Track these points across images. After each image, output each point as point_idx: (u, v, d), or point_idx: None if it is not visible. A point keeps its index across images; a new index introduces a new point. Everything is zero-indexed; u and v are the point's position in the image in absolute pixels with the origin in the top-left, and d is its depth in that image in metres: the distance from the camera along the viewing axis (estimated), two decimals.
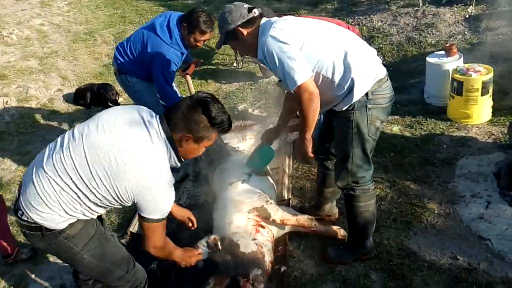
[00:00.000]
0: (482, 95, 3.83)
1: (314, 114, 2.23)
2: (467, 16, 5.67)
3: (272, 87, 5.00)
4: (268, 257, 2.53)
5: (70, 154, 1.81)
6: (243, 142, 3.57)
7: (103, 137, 1.80)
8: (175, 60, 3.19)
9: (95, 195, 1.83)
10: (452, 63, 4.10)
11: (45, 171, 1.83)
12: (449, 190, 3.19)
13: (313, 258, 2.76)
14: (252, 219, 2.68)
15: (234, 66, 5.81)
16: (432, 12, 5.90)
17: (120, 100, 5.16)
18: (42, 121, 4.90)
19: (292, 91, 2.22)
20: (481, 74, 3.83)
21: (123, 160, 1.76)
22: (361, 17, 6.35)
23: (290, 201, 3.14)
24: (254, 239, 2.54)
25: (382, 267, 2.64)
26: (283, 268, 2.59)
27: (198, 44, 3.21)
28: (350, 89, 2.24)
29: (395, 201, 3.13)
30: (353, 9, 6.71)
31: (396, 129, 4.02)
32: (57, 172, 1.81)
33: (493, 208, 2.93)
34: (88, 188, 1.81)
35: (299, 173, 3.60)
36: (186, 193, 3.48)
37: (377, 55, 2.43)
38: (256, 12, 2.36)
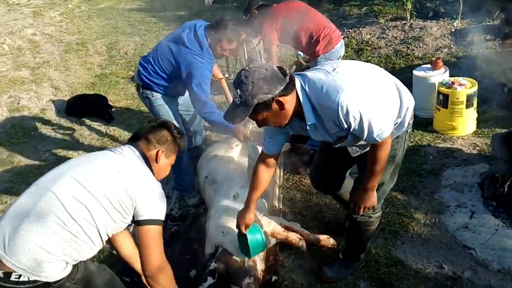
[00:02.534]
0: (466, 107, 3.94)
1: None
2: (453, 30, 5.82)
3: None
4: (260, 266, 2.58)
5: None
6: (231, 151, 3.53)
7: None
8: (210, 69, 3.15)
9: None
10: (438, 76, 4.22)
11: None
12: (435, 200, 3.27)
13: (303, 267, 2.81)
14: None
15: (226, 77, 5.87)
16: (419, 25, 6.04)
17: (113, 110, 5.19)
18: (33, 132, 4.92)
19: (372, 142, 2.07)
20: (465, 87, 3.94)
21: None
22: (350, 30, 6.48)
23: (281, 211, 3.20)
24: None
25: (371, 276, 2.71)
26: (274, 278, 2.64)
27: (224, 53, 3.18)
28: (402, 119, 2.19)
29: (383, 211, 3.18)
30: (343, 22, 6.84)
31: None
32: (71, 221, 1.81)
33: (477, 218, 3.03)
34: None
35: (289, 183, 3.67)
36: (177, 203, 3.53)
37: None
38: (288, 73, 1.96)
